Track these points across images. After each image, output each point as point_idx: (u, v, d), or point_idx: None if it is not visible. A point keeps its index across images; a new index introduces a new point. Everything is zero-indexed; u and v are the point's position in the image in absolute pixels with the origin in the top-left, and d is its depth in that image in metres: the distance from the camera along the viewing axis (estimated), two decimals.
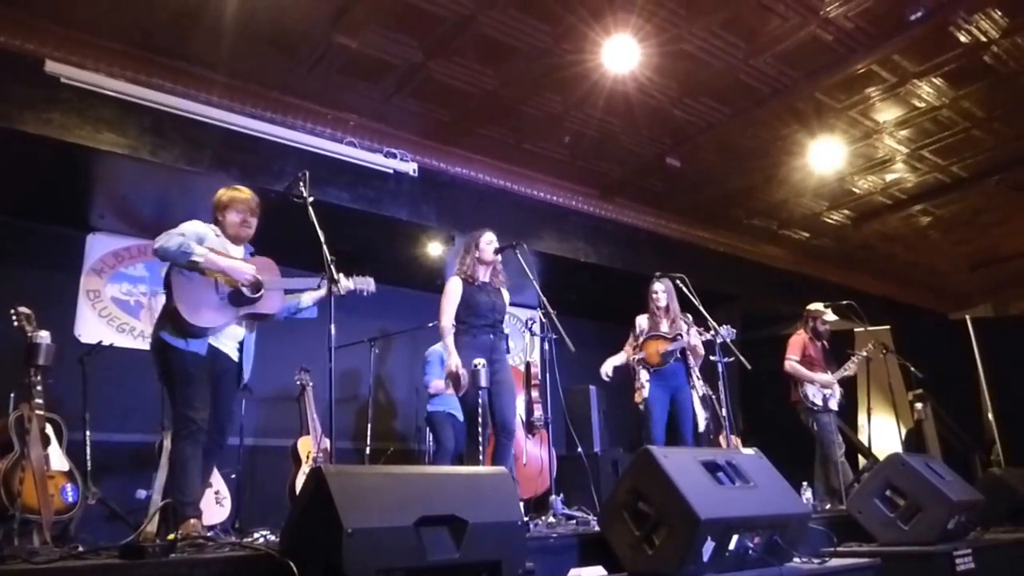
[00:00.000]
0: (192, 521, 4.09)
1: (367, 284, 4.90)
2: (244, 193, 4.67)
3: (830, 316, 7.88)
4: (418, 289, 8.94)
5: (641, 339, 6.77)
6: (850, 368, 7.83)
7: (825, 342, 7.91)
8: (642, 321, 6.86)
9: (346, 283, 4.70)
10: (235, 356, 4.49)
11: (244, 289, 4.37)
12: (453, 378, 5.33)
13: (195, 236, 4.35)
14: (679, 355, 6.69)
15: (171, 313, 4.27)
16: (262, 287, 4.44)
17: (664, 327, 6.75)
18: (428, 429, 7.62)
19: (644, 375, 6.63)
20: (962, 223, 10.71)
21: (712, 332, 6.52)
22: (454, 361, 5.34)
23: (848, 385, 9.42)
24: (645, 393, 6.54)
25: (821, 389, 7.54)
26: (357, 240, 7.37)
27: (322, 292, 4.73)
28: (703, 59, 6.81)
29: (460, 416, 7.01)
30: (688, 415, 6.60)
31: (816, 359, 7.71)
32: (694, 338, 6.67)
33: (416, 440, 8.52)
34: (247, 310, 4.43)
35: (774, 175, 9.14)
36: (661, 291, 6.83)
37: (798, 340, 7.79)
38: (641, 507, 3.70)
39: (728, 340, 6.56)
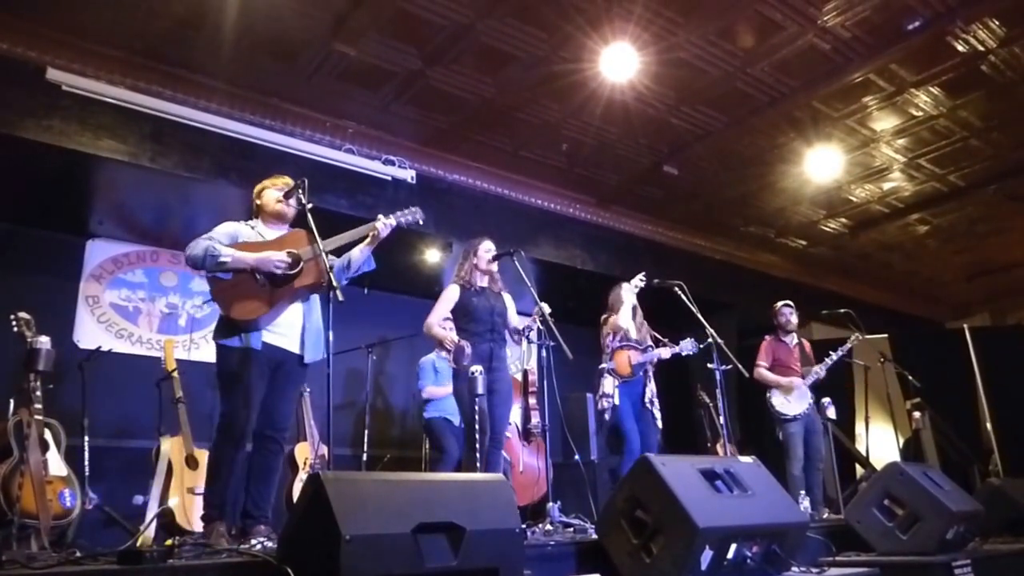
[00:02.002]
0: (219, 524, 4.10)
1: (414, 215, 4.74)
2: (281, 177, 4.67)
3: (780, 304, 7.78)
4: (416, 296, 8.95)
5: (611, 348, 6.73)
6: (822, 372, 7.54)
7: (804, 342, 7.82)
8: (617, 323, 6.73)
9: (386, 221, 4.58)
10: (295, 348, 4.41)
11: (278, 270, 4.28)
12: (457, 348, 5.35)
13: (226, 236, 4.34)
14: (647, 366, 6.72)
15: (223, 320, 4.29)
16: (301, 261, 4.34)
17: (633, 334, 6.73)
18: (426, 436, 7.62)
19: (611, 383, 6.57)
20: (960, 232, 10.74)
21: (675, 346, 6.63)
22: (450, 337, 5.37)
23: (846, 394, 9.42)
24: (616, 400, 6.48)
25: (793, 398, 7.41)
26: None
27: (368, 240, 4.60)
28: (700, 68, 6.84)
29: (456, 421, 7.06)
30: (650, 426, 6.56)
31: (784, 360, 7.57)
32: (664, 352, 6.67)
33: (413, 447, 8.51)
34: (293, 287, 4.34)
35: (771, 183, 9.17)
36: (628, 290, 6.75)
37: (765, 345, 7.67)
38: (639, 515, 3.69)
39: (692, 353, 6.60)
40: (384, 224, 4.58)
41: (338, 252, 4.60)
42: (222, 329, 4.30)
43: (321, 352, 4.50)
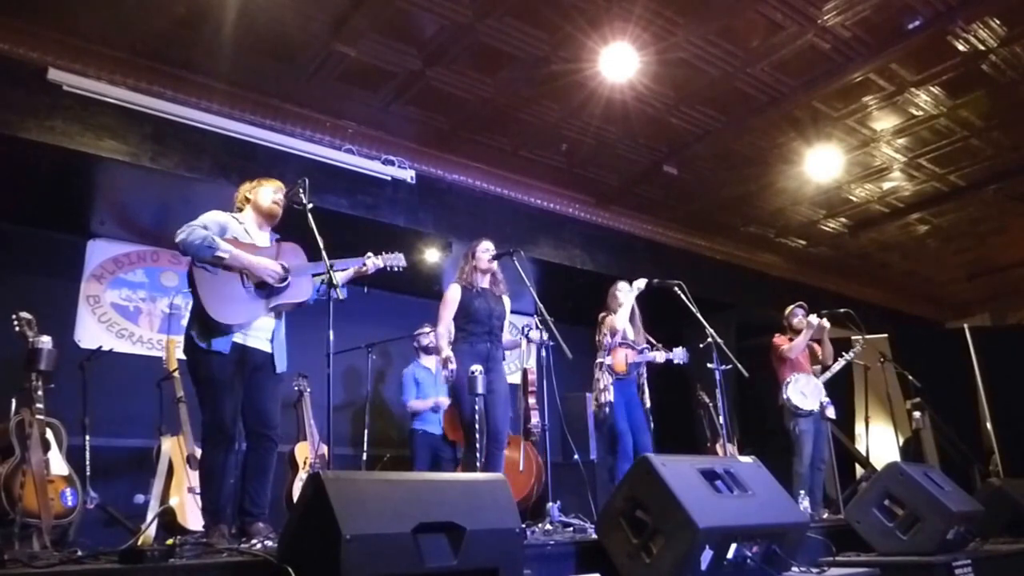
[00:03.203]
0: (221, 526, 4.09)
1: (397, 260, 4.91)
2: (273, 181, 4.70)
3: (793, 306, 7.79)
4: (415, 295, 8.97)
5: (609, 345, 6.75)
6: (835, 369, 7.67)
7: (812, 344, 7.81)
8: (614, 324, 6.79)
9: (375, 260, 4.76)
10: (267, 348, 4.41)
11: (270, 280, 4.31)
12: (445, 362, 5.44)
13: (217, 227, 4.31)
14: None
15: (198, 312, 4.21)
16: (289, 276, 4.37)
17: (630, 335, 6.79)
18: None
19: (607, 378, 6.62)
20: (960, 232, 10.72)
21: (669, 351, 6.75)
22: (446, 353, 5.44)
23: (845, 393, 9.40)
24: (611, 396, 6.54)
25: (810, 392, 7.41)
26: (355, 246, 7.40)
27: (353, 272, 4.75)
28: (700, 67, 6.84)
29: (436, 431, 7.55)
30: (643, 426, 6.64)
31: (798, 359, 7.63)
32: (659, 356, 6.74)
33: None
34: (276, 300, 4.35)
35: (771, 183, 9.16)
36: (626, 292, 6.83)
37: (780, 339, 7.69)
38: (639, 515, 3.70)
39: (683, 363, 6.70)
40: (372, 264, 4.79)
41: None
42: (196, 326, 4.24)
43: (285, 364, 4.54)
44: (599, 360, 6.73)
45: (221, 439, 4.17)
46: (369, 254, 4.78)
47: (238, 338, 4.27)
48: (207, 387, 4.21)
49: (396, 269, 4.94)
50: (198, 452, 6.12)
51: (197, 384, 4.26)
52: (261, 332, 4.39)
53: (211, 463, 4.19)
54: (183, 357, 5.25)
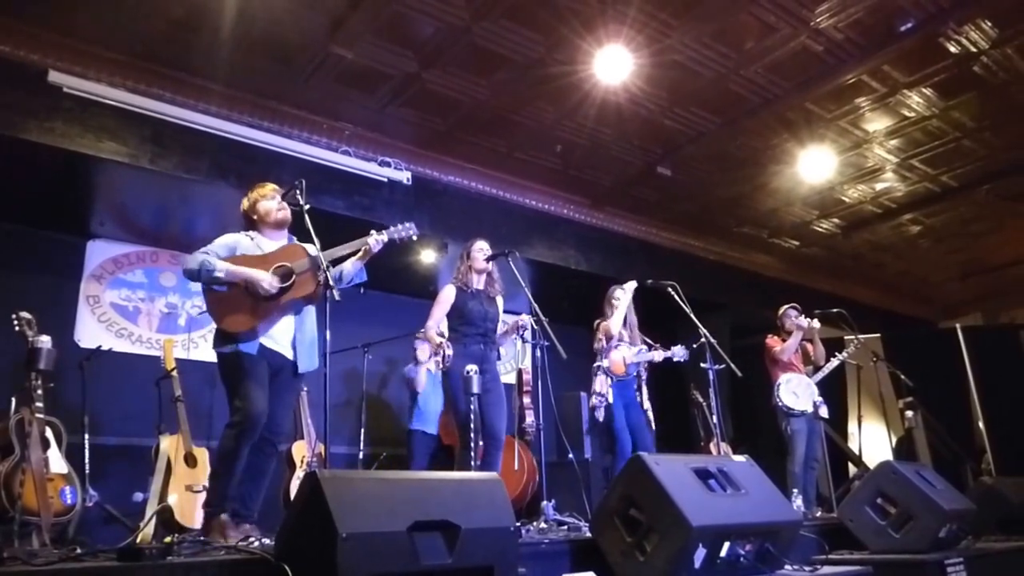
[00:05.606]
0: (223, 517, 4.11)
1: (407, 231, 4.76)
2: (265, 186, 4.70)
3: (787, 307, 7.83)
4: (411, 296, 9.00)
5: (606, 348, 6.79)
6: (827, 369, 7.73)
7: (805, 343, 7.88)
8: (609, 328, 6.81)
9: (379, 237, 4.61)
10: (289, 353, 4.47)
11: (262, 291, 4.32)
12: (437, 349, 5.49)
13: (225, 249, 4.40)
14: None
15: (218, 331, 4.37)
16: (293, 274, 4.39)
17: (625, 337, 6.82)
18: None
19: (604, 382, 6.64)
20: (952, 232, 10.76)
21: (667, 350, 6.75)
22: (435, 340, 5.52)
23: (838, 393, 9.42)
24: (609, 398, 6.56)
25: (801, 392, 7.48)
26: None
27: (360, 255, 4.63)
28: (694, 69, 6.87)
29: (433, 431, 7.65)
30: (643, 426, 6.66)
31: (790, 360, 7.67)
32: (657, 355, 6.76)
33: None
34: (284, 300, 4.38)
35: (764, 184, 9.20)
36: (621, 296, 6.87)
37: (773, 340, 7.75)
38: (633, 513, 3.72)
39: (682, 360, 6.70)
40: (376, 240, 4.62)
41: (331, 264, 4.61)
42: (219, 340, 4.38)
43: (315, 362, 4.57)
44: (596, 364, 6.75)
45: (246, 429, 4.17)
46: (372, 232, 4.64)
47: (264, 340, 4.35)
48: (236, 379, 4.26)
49: (410, 239, 4.79)
50: (195, 450, 6.18)
51: (226, 380, 4.33)
52: (282, 336, 4.45)
53: (229, 450, 4.17)
54: (181, 356, 5.29)
